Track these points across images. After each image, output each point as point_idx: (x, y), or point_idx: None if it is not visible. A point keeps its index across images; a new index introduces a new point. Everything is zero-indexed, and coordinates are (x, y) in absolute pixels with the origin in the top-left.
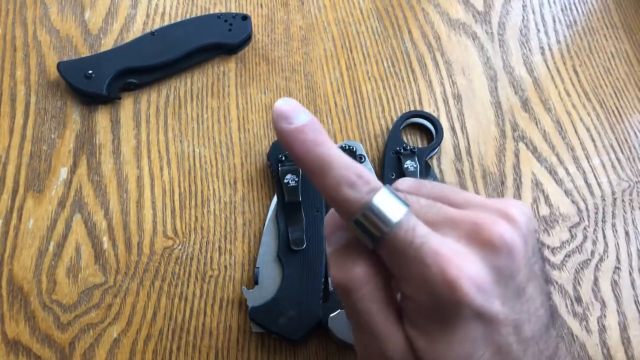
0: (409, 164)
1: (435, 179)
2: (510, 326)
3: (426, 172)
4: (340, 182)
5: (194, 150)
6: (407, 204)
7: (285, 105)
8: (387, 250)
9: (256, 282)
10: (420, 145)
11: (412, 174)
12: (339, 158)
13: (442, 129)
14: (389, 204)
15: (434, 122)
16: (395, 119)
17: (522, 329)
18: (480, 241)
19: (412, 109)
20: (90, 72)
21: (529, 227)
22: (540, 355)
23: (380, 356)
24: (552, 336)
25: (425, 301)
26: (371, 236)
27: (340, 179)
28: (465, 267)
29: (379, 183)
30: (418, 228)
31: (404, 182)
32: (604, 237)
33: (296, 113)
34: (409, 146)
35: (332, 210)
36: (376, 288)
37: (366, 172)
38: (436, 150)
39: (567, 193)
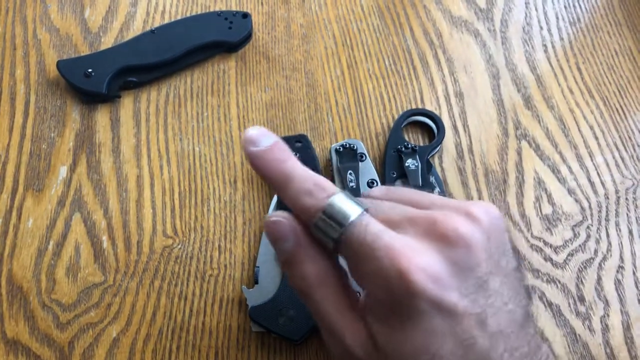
0: (410, 162)
1: (437, 177)
2: (472, 319)
3: (428, 170)
4: (299, 192)
5: (194, 149)
6: (362, 206)
7: (253, 131)
8: (345, 249)
9: (256, 282)
10: (421, 144)
11: (414, 173)
12: (299, 172)
13: (443, 127)
14: (344, 206)
15: (436, 120)
16: (396, 117)
17: (487, 323)
18: (436, 235)
19: (414, 107)
20: (90, 70)
21: (492, 224)
22: (513, 351)
23: (344, 350)
24: (528, 334)
25: (382, 295)
26: (330, 237)
27: (299, 189)
28: (417, 259)
29: (335, 189)
30: (371, 226)
31: (375, 190)
32: (608, 235)
33: (262, 137)
34: (410, 144)
35: (266, 220)
36: (329, 289)
37: (323, 181)
38: (438, 149)
39: (570, 191)
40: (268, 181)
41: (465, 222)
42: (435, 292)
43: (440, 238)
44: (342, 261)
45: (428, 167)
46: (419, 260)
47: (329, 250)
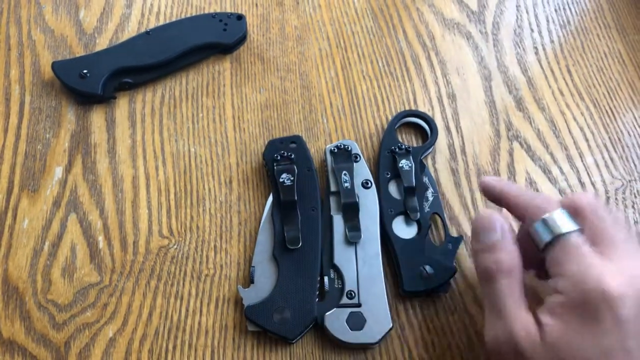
0: (404, 163)
1: (430, 178)
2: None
3: (421, 171)
4: (538, 197)
5: (189, 150)
6: (578, 225)
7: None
8: (558, 247)
9: (252, 281)
10: (415, 145)
11: (407, 173)
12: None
13: (436, 128)
14: (571, 218)
15: (429, 121)
16: (390, 118)
17: None
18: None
19: (407, 108)
20: (85, 71)
21: None
22: None
23: (507, 336)
24: None
25: (574, 297)
26: (553, 232)
27: (537, 196)
28: (618, 282)
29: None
30: (587, 245)
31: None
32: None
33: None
34: (404, 145)
35: (481, 213)
36: (514, 279)
37: (553, 199)
38: (431, 150)
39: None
40: (505, 194)
41: None
42: (623, 310)
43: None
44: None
45: (421, 168)
46: (619, 282)
47: (531, 251)
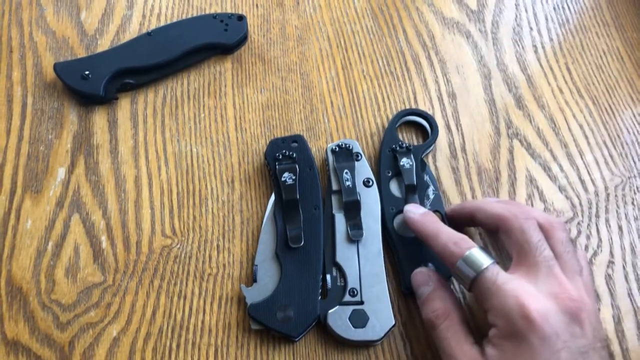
0: (404, 161)
1: (430, 176)
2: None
3: (422, 169)
4: (448, 242)
5: (191, 150)
6: (492, 258)
7: (410, 207)
8: (478, 286)
9: (255, 280)
10: (415, 143)
11: (408, 172)
12: (447, 229)
13: (437, 126)
14: (480, 256)
15: (429, 119)
16: (390, 117)
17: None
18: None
19: (408, 107)
20: (87, 72)
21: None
22: None
23: None
24: None
25: (503, 326)
26: (467, 277)
27: (448, 240)
28: (535, 301)
29: (473, 244)
30: (501, 274)
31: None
32: (598, 232)
33: (416, 208)
34: (404, 144)
35: (417, 270)
36: (452, 321)
37: (466, 237)
38: (431, 148)
39: (561, 189)
40: (423, 236)
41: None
42: (546, 329)
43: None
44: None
45: (422, 166)
46: (537, 302)
47: (465, 288)
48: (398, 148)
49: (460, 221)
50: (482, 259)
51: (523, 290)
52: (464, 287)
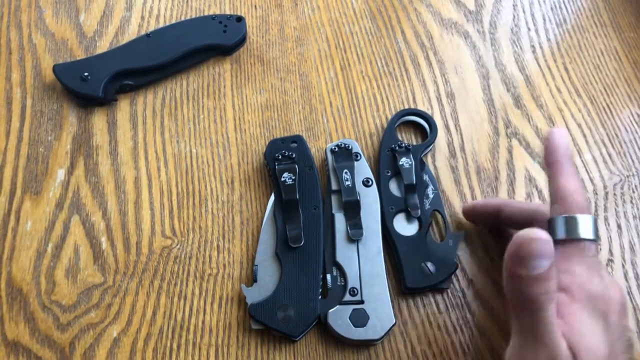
0: (404, 161)
1: (430, 175)
2: None
3: (421, 168)
4: (579, 189)
5: (190, 151)
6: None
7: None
8: (573, 249)
9: (255, 280)
10: (415, 143)
11: (407, 171)
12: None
13: (436, 126)
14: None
15: (428, 119)
16: (389, 117)
17: None
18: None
19: (407, 107)
20: (86, 74)
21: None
22: None
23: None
24: None
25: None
26: (566, 234)
27: (579, 187)
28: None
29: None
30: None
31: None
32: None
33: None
34: (403, 144)
35: (535, 236)
36: (554, 305)
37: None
38: (430, 147)
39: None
40: (561, 154)
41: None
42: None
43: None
44: None
45: (421, 166)
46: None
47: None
48: (397, 148)
49: (479, 217)
50: (594, 229)
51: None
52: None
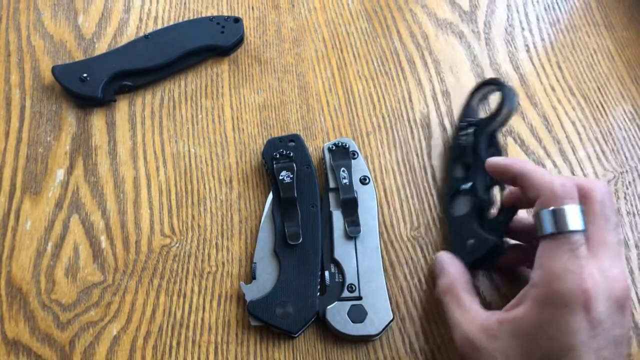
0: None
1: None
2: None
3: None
4: (555, 181)
5: (189, 150)
6: (585, 227)
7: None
8: (550, 242)
9: (254, 277)
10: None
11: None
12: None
13: (511, 95)
14: (578, 215)
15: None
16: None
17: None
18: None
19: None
20: (85, 75)
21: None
22: None
23: (464, 339)
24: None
25: (553, 290)
26: (554, 227)
27: (554, 179)
28: (596, 284)
29: (577, 197)
30: (583, 247)
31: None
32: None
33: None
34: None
35: (434, 262)
36: (454, 292)
37: (574, 187)
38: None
39: None
40: (518, 172)
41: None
42: (596, 308)
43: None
44: None
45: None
46: (596, 282)
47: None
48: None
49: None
50: (582, 221)
51: (589, 268)
52: (537, 230)
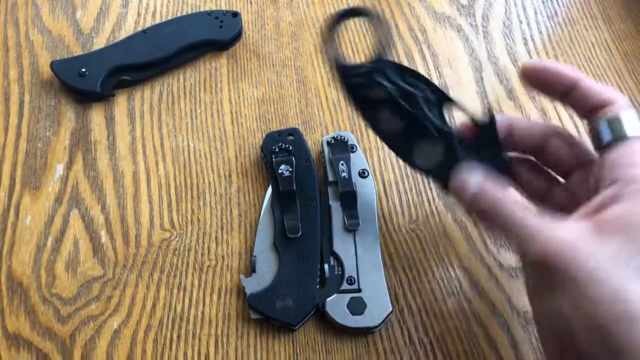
0: None
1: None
2: None
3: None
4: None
5: (188, 145)
6: None
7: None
8: (621, 149)
9: (253, 270)
10: None
11: None
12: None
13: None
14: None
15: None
16: None
17: None
18: None
19: None
20: (83, 70)
21: None
22: None
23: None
24: None
25: (613, 195)
26: (620, 133)
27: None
28: None
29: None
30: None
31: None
32: None
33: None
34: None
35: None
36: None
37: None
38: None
39: None
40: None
41: None
42: None
43: None
44: None
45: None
46: None
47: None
48: None
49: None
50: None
51: None
52: (597, 143)
